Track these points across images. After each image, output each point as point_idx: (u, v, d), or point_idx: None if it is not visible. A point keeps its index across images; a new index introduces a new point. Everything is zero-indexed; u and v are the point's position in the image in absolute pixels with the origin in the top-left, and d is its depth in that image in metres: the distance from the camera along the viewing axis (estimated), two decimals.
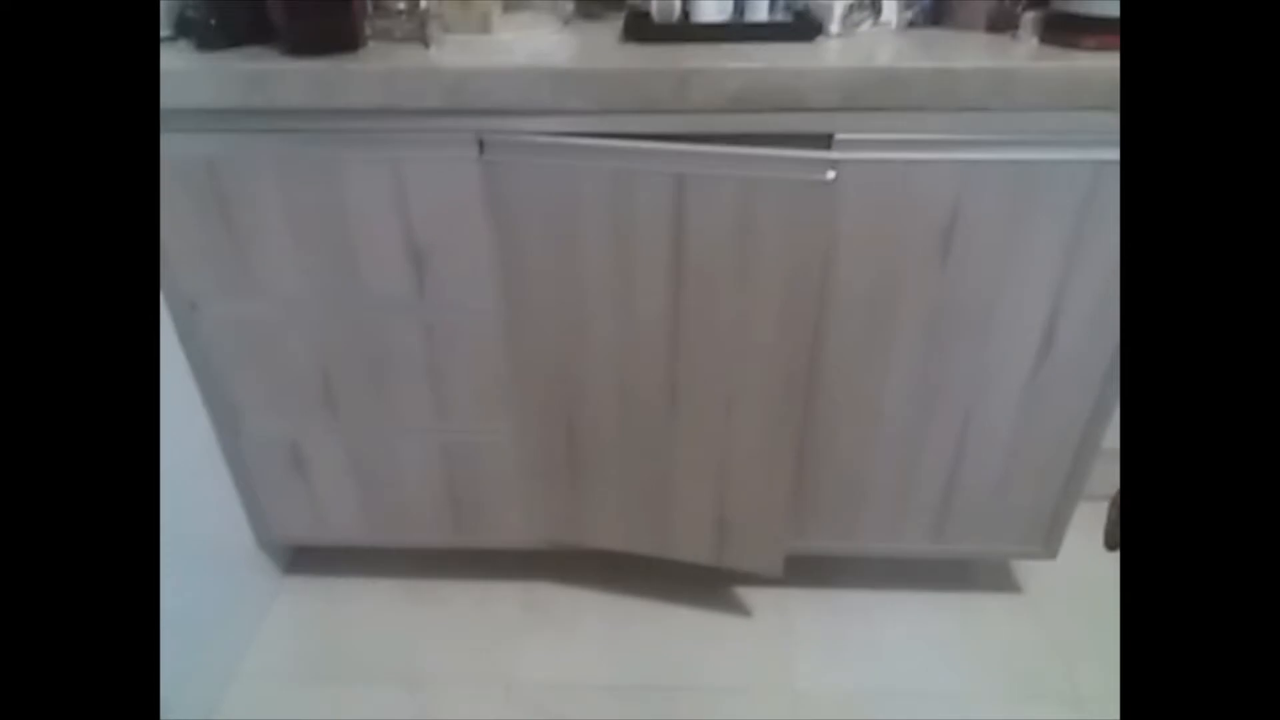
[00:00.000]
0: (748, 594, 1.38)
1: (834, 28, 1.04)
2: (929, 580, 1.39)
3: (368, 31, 1.03)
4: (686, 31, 1.02)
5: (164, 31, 1.02)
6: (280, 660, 1.28)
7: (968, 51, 0.96)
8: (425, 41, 1.00)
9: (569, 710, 1.20)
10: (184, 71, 0.94)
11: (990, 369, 1.10)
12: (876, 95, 0.91)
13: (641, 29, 1.02)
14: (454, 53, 0.97)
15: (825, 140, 0.94)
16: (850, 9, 1.04)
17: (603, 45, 1.01)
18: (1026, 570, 1.41)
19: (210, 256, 1.06)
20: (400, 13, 1.04)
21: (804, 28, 1.02)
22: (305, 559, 1.45)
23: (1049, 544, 1.26)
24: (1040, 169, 0.95)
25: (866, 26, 1.06)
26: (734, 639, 1.31)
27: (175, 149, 0.98)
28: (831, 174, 0.92)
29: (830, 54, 0.96)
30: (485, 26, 1.02)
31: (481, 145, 0.97)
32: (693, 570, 1.40)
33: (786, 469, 1.16)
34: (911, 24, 1.10)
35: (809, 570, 1.39)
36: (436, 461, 1.23)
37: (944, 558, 1.30)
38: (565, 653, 1.29)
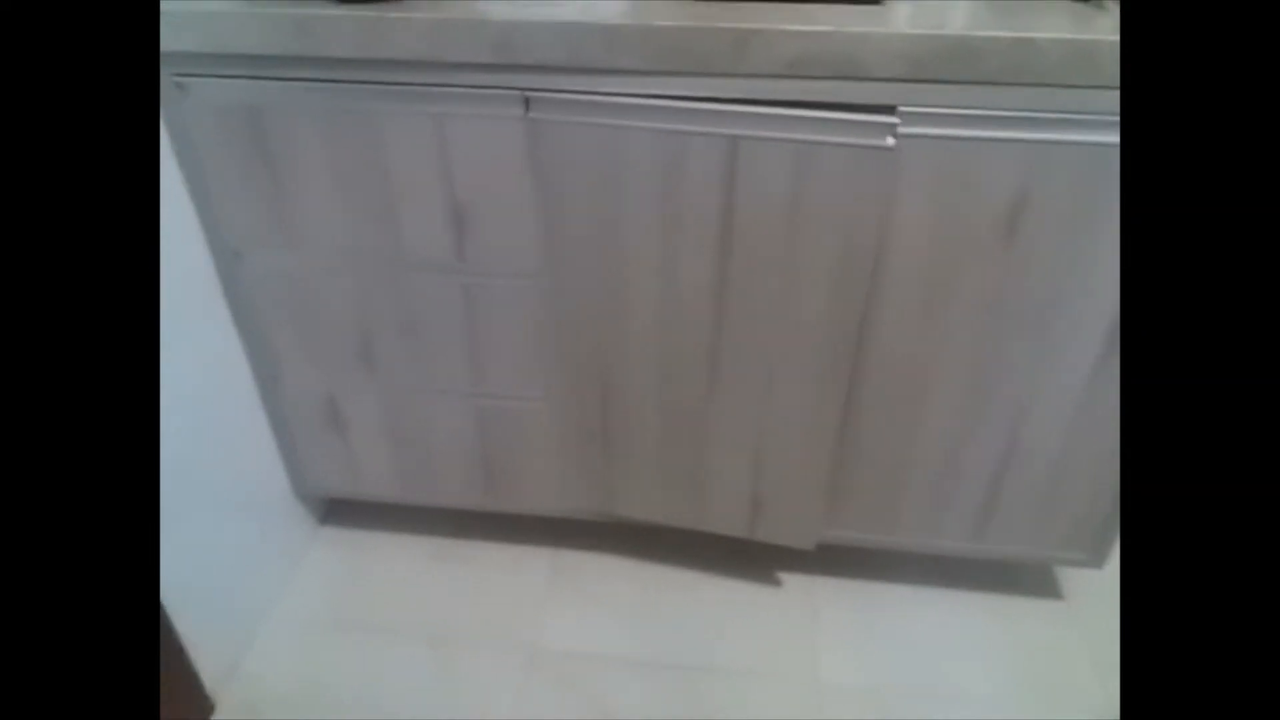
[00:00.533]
0: (779, 578, 1.36)
1: None
2: (967, 579, 1.34)
3: None
4: None
5: None
6: (310, 608, 1.31)
7: (1049, 21, 0.89)
8: None
9: (588, 681, 1.20)
10: (231, 14, 0.92)
11: (1048, 365, 1.04)
12: (945, 66, 0.85)
13: None
14: (505, 4, 0.94)
15: (888, 112, 0.89)
16: None
17: (658, 3, 0.97)
18: (1071, 577, 1.35)
19: (255, 206, 1.06)
20: None
21: None
22: (340, 511, 1.47)
23: (1097, 552, 1.20)
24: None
25: None
26: (761, 623, 1.28)
27: (221, 95, 0.98)
28: (892, 140, 0.87)
29: (898, 19, 0.90)
30: None
31: (527, 103, 0.93)
32: (725, 548, 1.38)
33: (826, 446, 1.12)
34: None
35: (842, 560, 1.36)
36: (470, 424, 1.23)
37: (984, 558, 1.25)
38: (590, 622, 1.29)
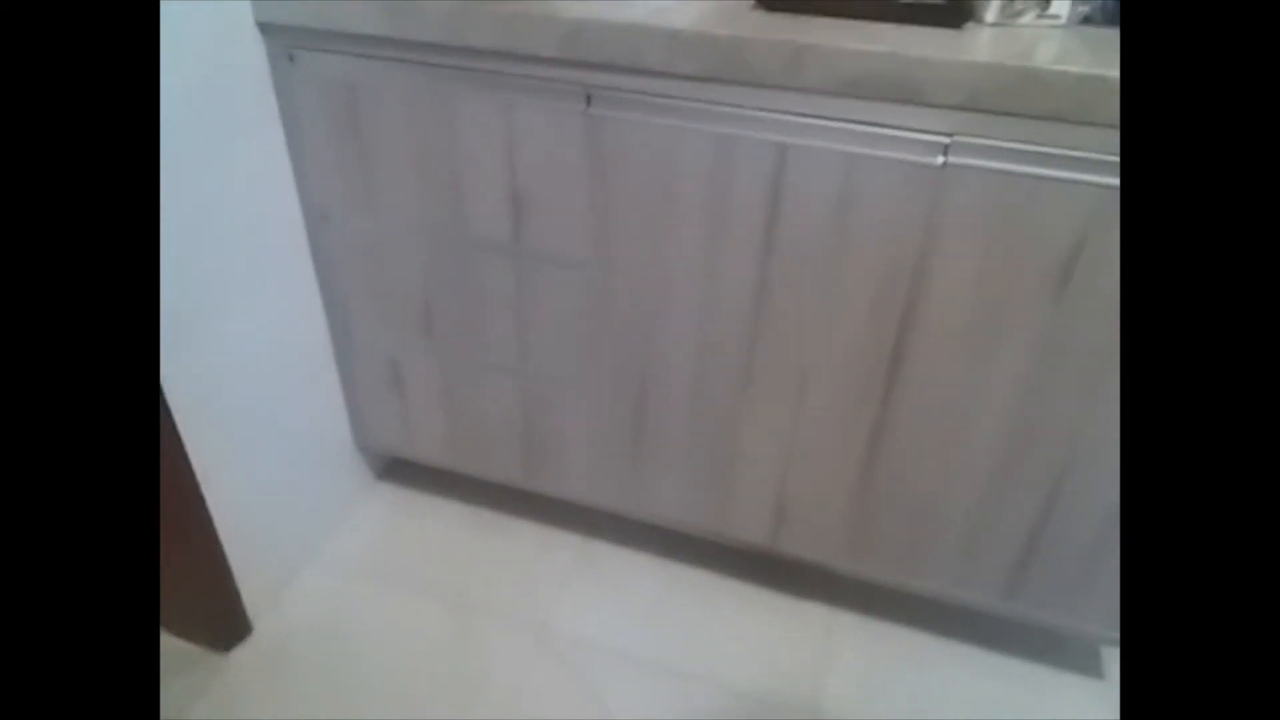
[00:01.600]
0: (798, 604, 1.33)
1: (990, 16, 0.94)
2: (997, 640, 1.27)
3: None
4: (822, 3, 0.96)
5: None
6: (353, 555, 1.40)
7: None
8: None
9: (590, 668, 1.22)
10: None
11: (1098, 425, 0.97)
12: (1006, 98, 0.82)
13: None
14: (579, 3, 0.97)
15: (942, 140, 0.86)
16: None
17: (730, 10, 0.97)
18: (1118, 658, 1.25)
19: (343, 173, 1.14)
20: None
21: (953, 12, 0.93)
22: (398, 470, 1.56)
23: None
24: None
25: (1030, 18, 0.95)
26: (773, 645, 1.26)
27: (322, 69, 1.06)
28: (941, 159, 0.85)
29: (973, 45, 0.87)
30: None
31: (589, 99, 0.97)
32: (752, 564, 1.37)
33: (854, 463, 1.11)
34: (1087, 20, 0.97)
35: (867, 596, 1.32)
36: (514, 402, 1.28)
37: (1015, 619, 1.18)
38: (604, 613, 1.31)
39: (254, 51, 1.07)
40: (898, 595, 1.29)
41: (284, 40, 1.06)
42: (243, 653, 1.22)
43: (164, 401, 1.00)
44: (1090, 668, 1.24)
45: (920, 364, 1.01)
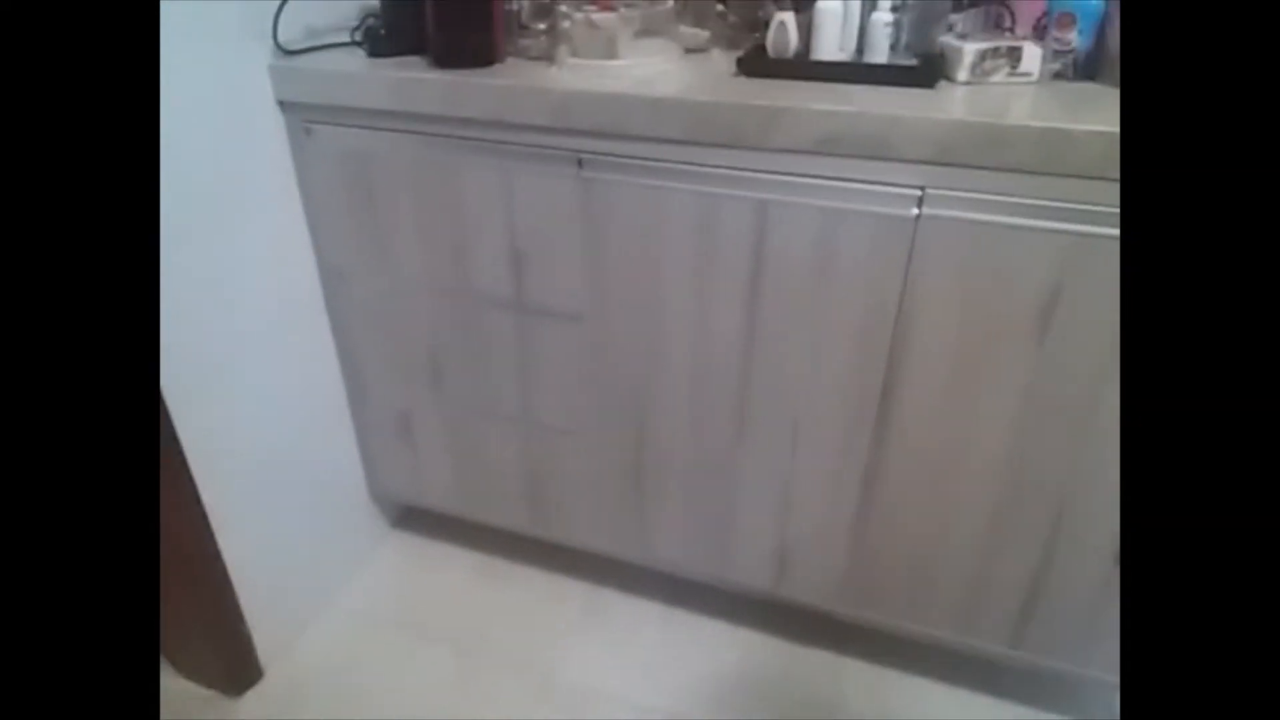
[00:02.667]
0: (805, 652, 1.32)
1: (962, 75, 0.98)
2: (1007, 688, 1.25)
3: (509, 49, 1.12)
4: (800, 69, 1.01)
5: (351, 38, 1.18)
6: (364, 603, 1.43)
7: (1106, 113, 0.87)
8: (551, 62, 1.08)
9: (592, 715, 1.22)
10: (351, 75, 1.08)
11: (1091, 466, 0.98)
12: (974, 152, 0.85)
13: (756, 64, 1.03)
14: (571, 75, 1.03)
15: (916, 193, 0.89)
16: (983, 56, 0.97)
17: (713, 77, 1.03)
18: None
19: (356, 235, 1.21)
20: (541, 32, 1.13)
21: (925, 73, 0.97)
22: (412, 519, 1.60)
23: None
24: None
25: (1001, 76, 0.98)
26: (781, 694, 1.26)
27: (338, 141, 1.14)
28: (915, 211, 0.89)
29: (945, 103, 0.91)
30: (610, 52, 1.07)
31: (580, 163, 1.02)
32: (757, 611, 1.37)
33: (850, 506, 1.13)
34: (1059, 75, 1.00)
35: (873, 642, 1.31)
36: (518, 451, 1.31)
37: (1021, 665, 1.17)
38: (611, 660, 1.31)
39: (274, 126, 1.15)
40: (905, 641, 1.28)
41: (301, 116, 1.14)
42: (254, 698, 1.25)
43: (180, 451, 1.06)
44: (1106, 714, 1.21)
45: (909, 408, 1.03)
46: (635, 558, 1.35)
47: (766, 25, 1.03)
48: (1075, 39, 0.99)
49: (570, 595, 1.44)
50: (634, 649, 1.34)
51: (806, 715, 1.22)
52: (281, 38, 1.09)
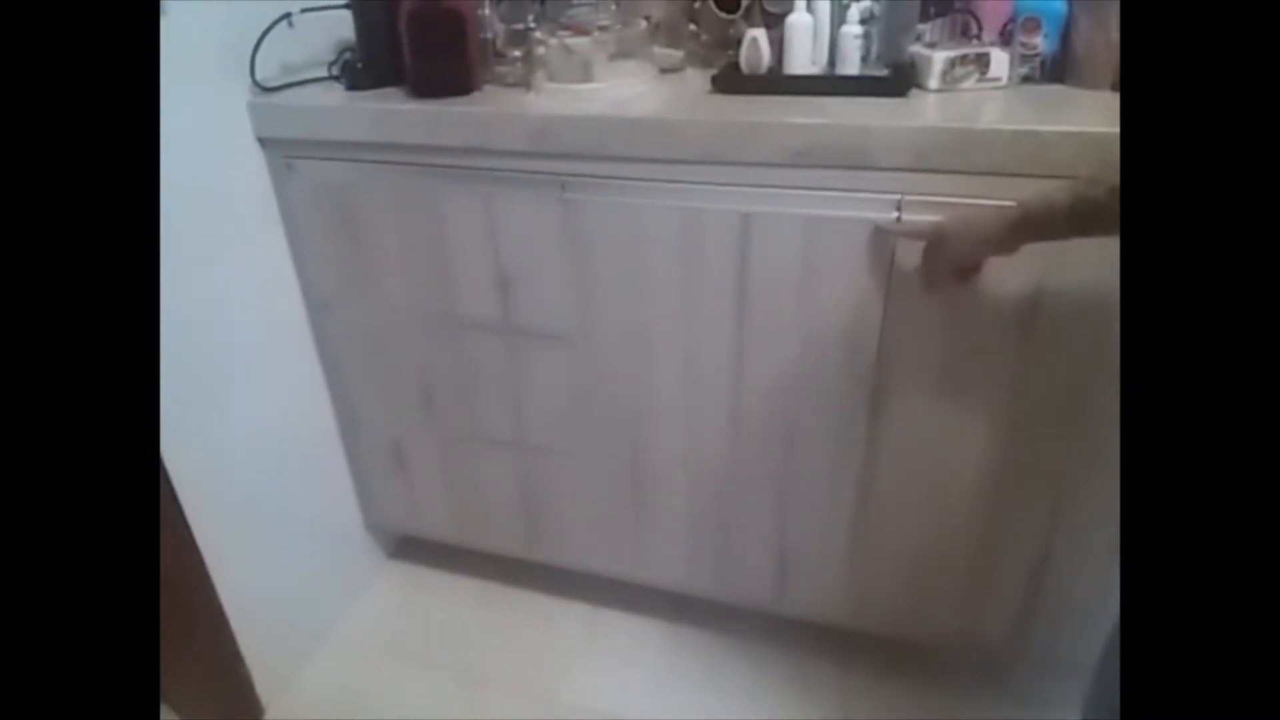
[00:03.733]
0: (809, 664, 1.32)
1: (933, 83, 1.00)
2: (1011, 689, 1.25)
3: (486, 77, 1.14)
4: (774, 84, 1.03)
5: (328, 72, 1.19)
6: (365, 634, 1.41)
7: (1075, 113, 0.88)
8: (528, 87, 1.09)
9: None
10: (331, 108, 1.09)
11: (1085, 460, 0.98)
12: (949, 157, 0.86)
13: (730, 81, 1.04)
14: (548, 100, 1.05)
15: (895, 199, 0.91)
16: (953, 63, 0.99)
17: (689, 96, 1.04)
18: None
19: (341, 267, 1.21)
20: (517, 59, 1.14)
21: (897, 82, 0.99)
22: (408, 548, 1.59)
23: None
24: None
25: (971, 82, 1.00)
26: (786, 709, 1.25)
27: (319, 174, 1.14)
28: (895, 216, 0.90)
29: (918, 111, 0.92)
30: (586, 75, 1.08)
31: (563, 185, 1.03)
32: (759, 626, 1.36)
33: (847, 515, 1.13)
34: (1027, 79, 1.02)
35: (878, 651, 1.30)
36: (512, 473, 1.31)
37: (1023, 667, 1.17)
38: (614, 683, 1.31)
39: (255, 162, 1.15)
40: (908, 646, 1.28)
41: (281, 151, 1.14)
42: None
43: (171, 489, 1.05)
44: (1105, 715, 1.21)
45: (900, 408, 1.03)
46: (635, 577, 1.35)
47: (739, 43, 1.04)
48: (1041, 43, 1.01)
49: (571, 617, 1.43)
50: (637, 668, 1.33)
51: None
52: (259, 75, 1.10)
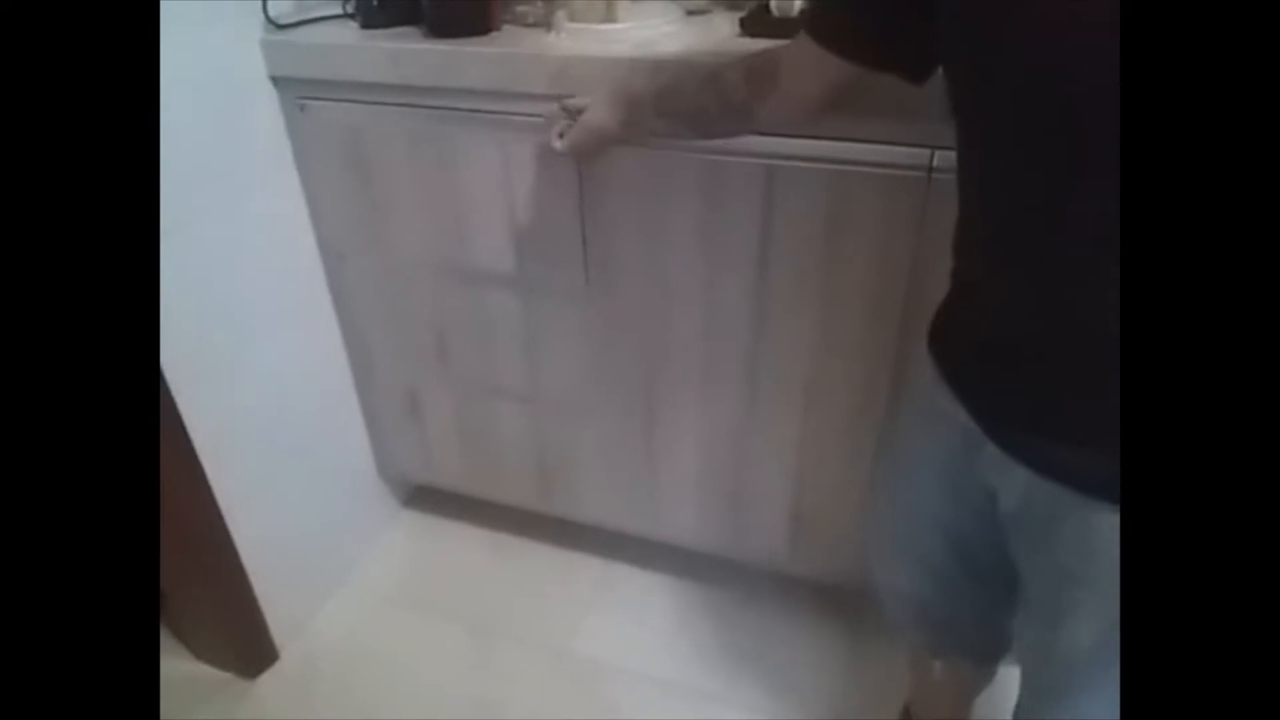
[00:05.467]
0: (820, 624, 1.32)
1: None
2: None
3: (505, 16, 1.09)
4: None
5: (343, 9, 1.15)
6: (376, 583, 1.43)
7: None
8: (549, 28, 1.05)
9: (608, 689, 1.22)
10: (342, 46, 1.06)
11: None
12: None
13: (759, 23, 0.99)
14: (569, 40, 1.01)
15: (926, 151, 0.87)
16: None
17: (716, 38, 1.00)
18: None
19: (355, 215, 1.19)
20: None
21: None
22: (422, 497, 1.59)
23: None
24: None
25: None
26: (793, 666, 1.26)
27: (331, 117, 1.11)
28: (927, 168, 0.87)
29: None
30: (609, 15, 1.04)
31: None
32: (770, 583, 1.36)
33: (865, 468, 1.10)
34: None
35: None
36: (527, 428, 1.30)
37: None
38: (623, 635, 1.31)
39: (268, 103, 1.12)
40: None
41: (295, 91, 1.11)
42: (269, 679, 1.26)
43: (187, 436, 1.05)
44: None
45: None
46: (646, 531, 1.34)
47: None
48: None
49: (582, 570, 1.43)
50: (648, 623, 1.33)
51: (823, 687, 1.22)
52: (272, 11, 1.07)
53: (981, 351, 0.67)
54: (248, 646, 1.24)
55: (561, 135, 0.91)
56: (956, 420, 0.68)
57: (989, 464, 0.66)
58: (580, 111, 0.90)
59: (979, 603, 0.84)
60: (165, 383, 1.00)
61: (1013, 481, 0.65)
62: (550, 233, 1.08)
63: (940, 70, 0.67)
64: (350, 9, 1.14)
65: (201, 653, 1.28)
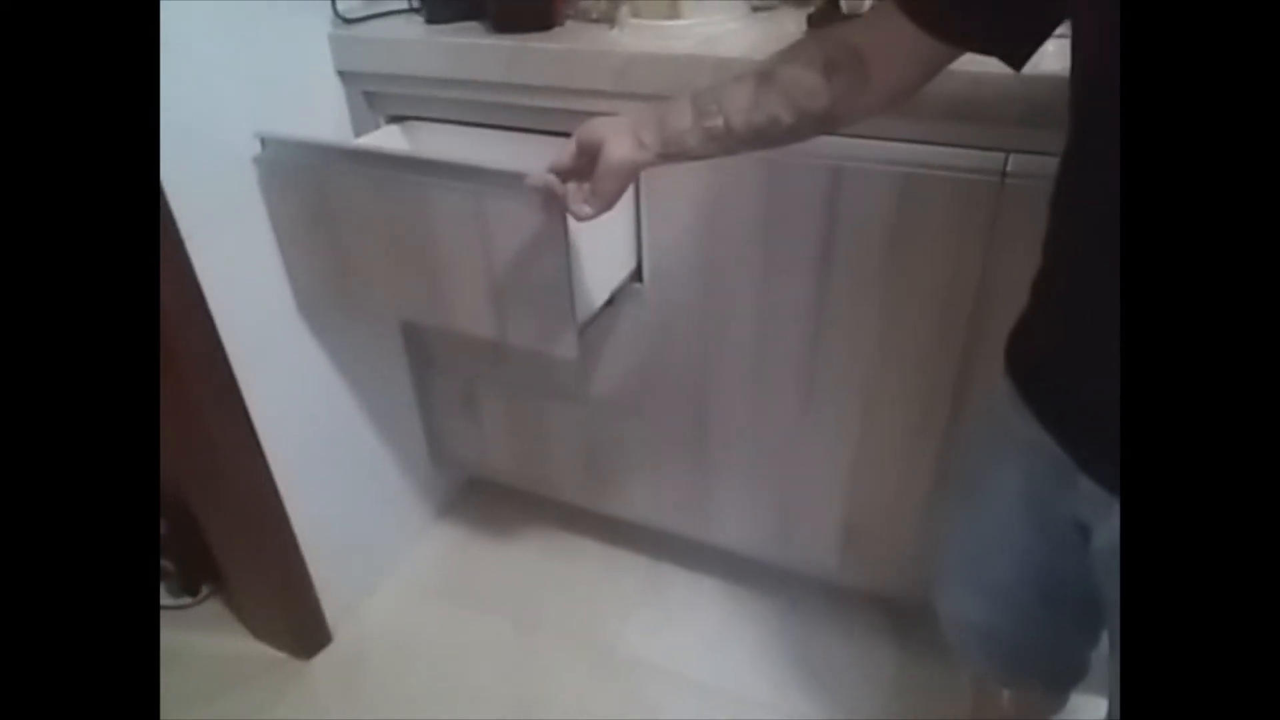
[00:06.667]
0: (867, 636, 1.29)
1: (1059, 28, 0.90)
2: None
3: (569, 12, 1.09)
4: None
5: (408, 3, 1.16)
6: (427, 572, 1.45)
7: None
8: (612, 23, 1.04)
9: (652, 691, 1.22)
10: (408, 41, 1.07)
11: None
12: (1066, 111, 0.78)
13: (828, 20, 0.96)
14: (632, 36, 0.99)
15: (1000, 156, 0.83)
16: None
17: (782, 35, 0.97)
18: None
19: None
20: None
21: None
22: (474, 489, 1.61)
23: None
24: None
25: None
26: (838, 678, 1.23)
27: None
28: (1000, 174, 0.84)
29: (1038, 59, 0.84)
30: (673, 11, 1.02)
31: None
32: (822, 591, 1.34)
33: (921, 489, 1.08)
34: None
35: (932, 629, 1.26)
36: (578, 427, 1.30)
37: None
38: (669, 636, 1.31)
39: (335, 97, 1.14)
40: None
41: (361, 85, 1.13)
42: (323, 660, 1.29)
43: (248, 416, 1.08)
44: None
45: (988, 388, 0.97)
46: (695, 534, 1.33)
47: None
48: None
49: (630, 569, 1.43)
50: (693, 625, 1.32)
51: (870, 699, 1.19)
52: (340, 6, 1.08)
53: (1072, 372, 0.60)
54: (303, 627, 1.28)
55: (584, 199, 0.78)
56: (1042, 447, 0.63)
57: (1082, 498, 0.61)
58: (564, 169, 0.79)
59: (1056, 632, 0.78)
60: (228, 361, 1.03)
61: (1111, 518, 0.59)
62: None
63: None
64: (415, 3, 1.15)
65: (260, 632, 1.32)
